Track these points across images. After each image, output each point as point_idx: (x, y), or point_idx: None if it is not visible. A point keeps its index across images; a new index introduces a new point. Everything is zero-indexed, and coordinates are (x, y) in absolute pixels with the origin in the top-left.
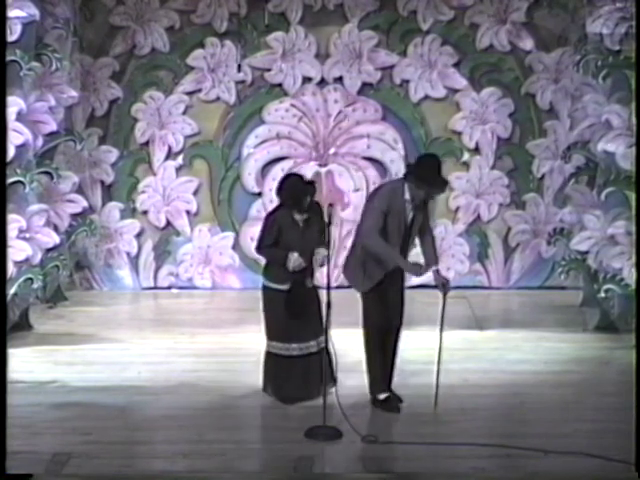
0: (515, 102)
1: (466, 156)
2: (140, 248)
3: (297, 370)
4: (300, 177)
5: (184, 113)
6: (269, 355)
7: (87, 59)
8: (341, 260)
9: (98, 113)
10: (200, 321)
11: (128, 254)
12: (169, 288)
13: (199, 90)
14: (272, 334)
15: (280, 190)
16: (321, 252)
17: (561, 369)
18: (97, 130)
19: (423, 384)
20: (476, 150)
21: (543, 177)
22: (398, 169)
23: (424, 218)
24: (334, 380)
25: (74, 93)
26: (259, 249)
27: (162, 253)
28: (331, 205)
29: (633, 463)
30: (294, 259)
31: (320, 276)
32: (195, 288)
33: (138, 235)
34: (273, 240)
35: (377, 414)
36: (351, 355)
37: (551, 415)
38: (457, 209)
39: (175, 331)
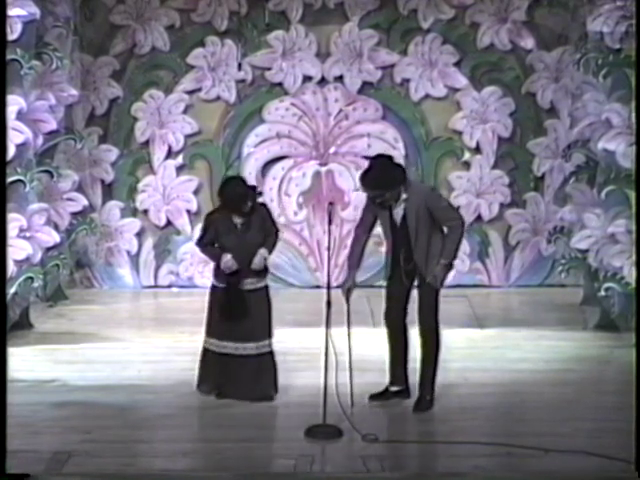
0: (516, 101)
1: (467, 155)
2: (140, 247)
3: (229, 369)
4: (242, 180)
5: (184, 112)
6: (205, 352)
7: (87, 58)
8: (341, 259)
9: (98, 112)
10: (200, 320)
11: (128, 253)
12: (169, 287)
13: (199, 89)
14: (209, 331)
15: (220, 192)
16: (261, 253)
17: (561, 368)
18: (97, 129)
19: None
20: (477, 149)
21: (543, 176)
22: None
23: (428, 221)
24: (275, 388)
25: (74, 92)
26: (198, 245)
27: (162, 252)
28: (331, 204)
29: (633, 462)
30: (226, 260)
31: (322, 275)
32: (195, 287)
33: (138, 234)
34: (210, 240)
35: (377, 412)
36: (351, 354)
37: (551, 414)
38: (458, 208)
39: (175, 330)
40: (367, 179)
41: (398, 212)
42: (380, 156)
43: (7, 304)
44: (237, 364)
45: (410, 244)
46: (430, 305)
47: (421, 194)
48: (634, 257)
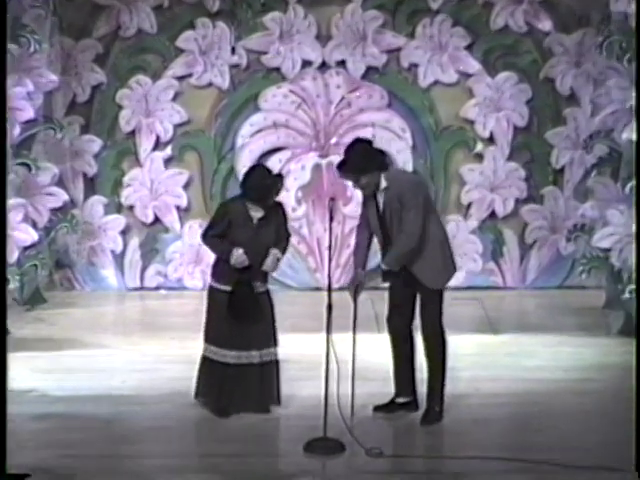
0: (533, 87)
1: (479, 146)
2: (126, 246)
3: (231, 379)
4: (268, 170)
5: (173, 100)
6: (204, 360)
7: (68, 41)
8: (343, 259)
9: (80, 99)
10: (191, 324)
11: (113, 252)
12: (157, 289)
13: (190, 75)
14: (209, 337)
15: (244, 181)
16: (274, 253)
17: (582, 376)
18: (79, 118)
19: None
20: (490, 140)
21: (563, 169)
22: (405, 160)
23: (401, 217)
24: (278, 400)
25: (54, 77)
26: (204, 237)
27: (149, 251)
28: (333, 199)
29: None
30: (237, 255)
31: (322, 276)
32: (185, 289)
33: (123, 232)
34: (220, 231)
35: (382, 425)
36: (355, 361)
37: (570, 426)
38: (470, 204)
39: (164, 335)
40: (342, 163)
41: (380, 203)
42: (358, 140)
43: (6, 304)
44: (238, 374)
45: (389, 239)
46: (433, 308)
47: (400, 185)
48: (634, 258)
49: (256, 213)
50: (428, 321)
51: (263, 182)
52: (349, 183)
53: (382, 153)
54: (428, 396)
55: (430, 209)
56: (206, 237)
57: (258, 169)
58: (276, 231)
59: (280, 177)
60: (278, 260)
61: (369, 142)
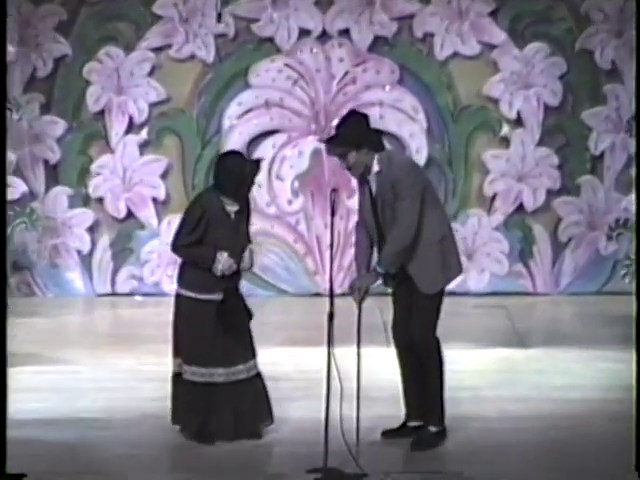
0: (567, 61)
1: (505, 129)
2: (94, 244)
3: (217, 401)
4: (244, 157)
5: (149, 75)
6: (183, 383)
7: (26, 5)
8: (347, 260)
9: (40, 74)
10: (169, 336)
11: (79, 252)
12: (131, 294)
13: (168, 46)
14: (190, 357)
15: (218, 172)
16: (250, 248)
17: (621, 397)
18: (39, 96)
19: (451, 415)
20: (518, 122)
21: (602, 155)
22: (419, 145)
23: (395, 208)
24: (270, 416)
25: (10, 49)
26: (176, 248)
27: (122, 251)
28: (334, 191)
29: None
30: (224, 260)
31: (323, 280)
32: (163, 295)
33: (91, 228)
34: (198, 237)
35: (391, 452)
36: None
37: (608, 453)
38: (494, 196)
39: (138, 349)
40: (331, 136)
41: (373, 189)
42: (353, 112)
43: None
44: (225, 394)
45: (383, 235)
46: (428, 313)
47: (394, 171)
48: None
49: (232, 207)
50: (421, 328)
51: (241, 172)
52: (336, 160)
53: (379, 132)
54: (423, 413)
55: (430, 200)
56: (179, 247)
57: (233, 157)
58: (247, 224)
59: (258, 163)
60: (252, 254)
61: (365, 116)
